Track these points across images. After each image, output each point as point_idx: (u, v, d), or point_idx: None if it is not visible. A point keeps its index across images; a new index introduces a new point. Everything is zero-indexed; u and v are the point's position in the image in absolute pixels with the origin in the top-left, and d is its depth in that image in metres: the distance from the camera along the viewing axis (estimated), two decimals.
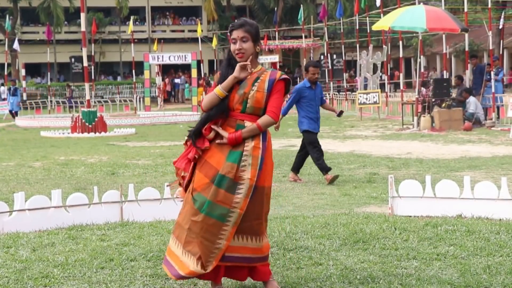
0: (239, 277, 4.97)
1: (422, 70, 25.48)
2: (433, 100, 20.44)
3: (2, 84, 42.70)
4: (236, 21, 4.98)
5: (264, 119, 4.82)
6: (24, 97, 42.01)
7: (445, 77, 23.95)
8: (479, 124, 20.01)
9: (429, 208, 7.52)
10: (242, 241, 4.79)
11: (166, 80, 49.31)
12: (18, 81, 47.50)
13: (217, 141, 4.79)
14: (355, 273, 5.31)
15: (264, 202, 4.87)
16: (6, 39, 41.09)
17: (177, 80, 50.94)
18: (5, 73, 43.14)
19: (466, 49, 23.20)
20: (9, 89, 34.79)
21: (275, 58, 44.57)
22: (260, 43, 4.97)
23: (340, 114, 12.21)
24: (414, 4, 24.36)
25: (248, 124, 4.83)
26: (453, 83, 22.60)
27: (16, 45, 43.94)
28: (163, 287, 5.12)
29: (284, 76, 4.90)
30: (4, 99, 38.04)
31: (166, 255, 5.01)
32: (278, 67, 47.32)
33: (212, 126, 4.78)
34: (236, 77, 4.81)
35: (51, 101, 39.78)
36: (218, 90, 4.84)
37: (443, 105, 20.15)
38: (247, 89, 4.83)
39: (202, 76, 45.58)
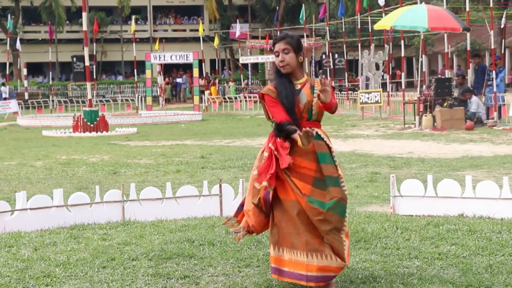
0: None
1: (441, 68, 25.34)
2: (435, 99, 20.43)
3: (3, 84, 42.71)
4: (278, 35, 5.24)
5: (335, 104, 5.12)
6: (26, 97, 42.05)
7: (447, 76, 23.93)
8: (480, 124, 20.00)
9: (430, 207, 7.52)
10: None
11: (167, 80, 49.30)
12: (19, 80, 47.62)
13: (306, 142, 4.80)
14: (356, 272, 5.31)
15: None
16: (8, 39, 41.10)
17: (178, 80, 50.94)
18: (7, 72, 43.17)
19: (468, 48, 23.19)
20: None
21: None
22: (302, 53, 5.17)
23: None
24: (416, 3, 24.34)
25: (319, 131, 5.06)
26: (454, 82, 22.57)
27: (18, 45, 43.98)
28: (164, 287, 5.12)
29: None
30: (5, 99, 38.08)
31: (273, 265, 4.99)
32: None
33: (307, 129, 4.80)
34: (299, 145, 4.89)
35: (52, 101, 39.80)
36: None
37: (445, 104, 20.14)
38: (309, 97, 5.05)
39: (204, 75, 45.60)
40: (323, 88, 4.91)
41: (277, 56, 5.11)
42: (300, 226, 4.88)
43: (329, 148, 5.06)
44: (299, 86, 5.10)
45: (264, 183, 4.94)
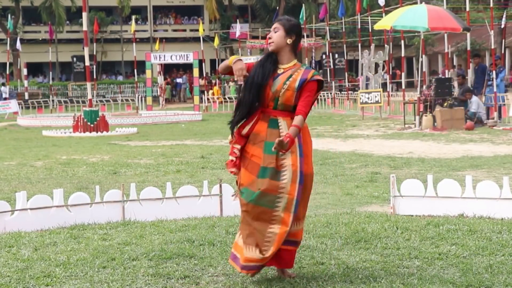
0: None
1: (442, 68, 25.28)
2: (435, 99, 20.43)
3: (4, 84, 42.69)
4: None
5: (299, 120, 4.95)
6: (26, 97, 42.04)
7: (447, 76, 23.93)
8: (481, 124, 20.00)
9: (431, 207, 7.52)
10: (295, 227, 5.05)
11: (167, 80, 49.29)
12: (20, 80, 47.62)
13: (273, 148, 4.86)
14: (357, 272, 5.31)
15: (309, 189, 5.12)
16: (8, 39, 41.09)
17: (178, 80, 50.94)
18: (7, 72, 43.17)
19: (468, 48, 23.18)
20: None
21: None
22: (295, 38, 5.13)
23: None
24: (416, 3, 24.34)
25: (280, 120, 5.03)
26: (455, 81, 22.57)
27: (18, 45, 43.97)
28: (164, 287, 5.12)
29: (317, 77, 5.08)
30: (5, 99, 38.07)
31: (232, 250, 5.16)
32: None
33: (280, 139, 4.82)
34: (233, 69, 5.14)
35: (53, 101, 39.80)
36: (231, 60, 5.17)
37: (445, 104, 20.13)
38: (279, 87, 5.03)
39: (204, 75, 45.59)
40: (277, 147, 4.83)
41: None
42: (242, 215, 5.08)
43: (279, 137, 4.93)
44: (281, 71, 5.10)
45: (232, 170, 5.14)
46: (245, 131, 5.07)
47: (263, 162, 4.96)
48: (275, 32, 5.10)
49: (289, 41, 5.10)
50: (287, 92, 5.00)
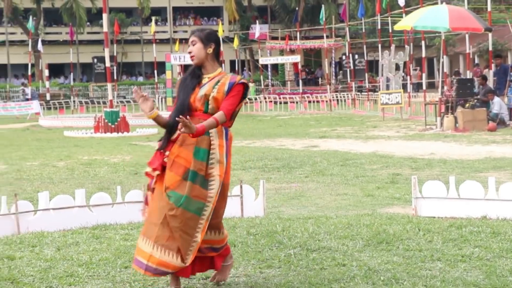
0: (203, 268, 5.21)
1: (475, 68, 25.07)
2: (457, 100, 20.30)
3: (26, 85, 43.00)
4: None
5: (219, 114, 4.99)
6: (48, 97, 42.31)
7: (469, 77, 23.78)
8: (503, 125, 19.84)
9: (453, 209, 7.48)
10: (211, 235, 5.07)
11: None
12: (41, 81, 47.91)
13: (182, 130, 4.85)
14: (378, 274, 5.29)
15: (225, 199, 5.17)
16: (30, 40, 41.37)
17: None
18: (29, 73, 43.47)
19: (490, 48, 23.04)
20: None
21: (297, 58, 44.47)
22: (214, 46, 5.21)
23: None
24: (437, 3, 24.22)
25: None
26: (476, 83, 22.43)
27: (39, 46, 44.29)
28: (186, 287, 5.13)
29: (243, 80, 5.17)
30: (28, 99, 38.33)
31: (135, 256, 5.05)
32: (299, 67, 47.26)
33: (181, 117, 4.83)
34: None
35: (74, 101, 40.02)
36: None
37: (467, 105, 20.00)
38: (208, 91, 5.09)
39: None
40: (182, 126, 4.83)
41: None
42: (159, 218, 4.94)
43: (210, 145, 5.00)
44: (206, 80, 5.16)
45: (148, 169, 5.12)
46: (174, 136, 5.08)
47: (193, 166, 4.95)
48: (193, 45, 5.21)
49: (209, 50, 5.19)
50: (217, 95, 5.05)
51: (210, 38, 5.21)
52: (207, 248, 5.06)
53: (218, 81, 5.11)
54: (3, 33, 58.07)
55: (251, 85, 47.91)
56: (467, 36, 24.60)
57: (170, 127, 5.10)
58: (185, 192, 4.91)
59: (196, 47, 5.20)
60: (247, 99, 40.32)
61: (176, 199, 4.91)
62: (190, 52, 5.22)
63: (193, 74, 5.21)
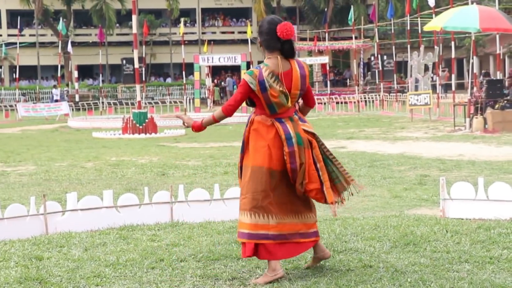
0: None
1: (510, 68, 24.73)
2: (486, 101, 20.11)
3: (55, 86, 43.39)
4: None
5: (217, 111, 5.41)
6: (77, 99, 42.67)
7: (498, 77, 23.55)
8: None
9: (481, 210, 7.40)
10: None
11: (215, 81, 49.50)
12: (71, 82, 48.30)
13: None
14: (406, 275, 5.25)
15: (245, 177, 5.31)
16: (60, 41, 41.71)
17: (228, 79, 51.08)
18: (59, 75, 43.86)
19: None
20: None
21: (325, 59, 44.39)
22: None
23: None
24: (467, 4, 24.01)
25: None
26: (506, 83, 22.20)
27: (69, 47, 44.65)
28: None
29: (243, 75, 5.41)
30: (56, 101, 38.68)
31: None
32: (327, 68, 47.14)
33: (176, 114, 5.51)
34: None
35: (102, 103, 40.32)
36: None
37: (496, 106, 19.81)
38: None
39: None
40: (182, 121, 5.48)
41: None
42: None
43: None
44: None
45: None
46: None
47: None
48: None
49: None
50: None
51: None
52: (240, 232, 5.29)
53: None
54: (33, 35, 58.67)
55: None
56: (497, 36, 24.38)
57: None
58: None
59: None
60: None
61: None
62: None
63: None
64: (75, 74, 45.69)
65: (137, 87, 24.08)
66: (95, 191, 9.84)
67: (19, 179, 11.96)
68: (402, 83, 43.12)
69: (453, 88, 29.29)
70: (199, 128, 5.39)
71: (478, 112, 20.14)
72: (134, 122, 22.57)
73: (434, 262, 5.60)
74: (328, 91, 41.87)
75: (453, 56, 28.23)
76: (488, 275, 5.22)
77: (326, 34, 48.26)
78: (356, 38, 44.94)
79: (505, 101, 19.97)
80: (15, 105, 36.78)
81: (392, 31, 42.72)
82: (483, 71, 26.59)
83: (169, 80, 59.98)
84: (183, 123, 5.48)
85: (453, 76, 29.70)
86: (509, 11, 37.99)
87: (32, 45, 57.50)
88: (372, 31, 47.82)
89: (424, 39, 39.28)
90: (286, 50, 5.26)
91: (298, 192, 5.30)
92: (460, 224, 6.97)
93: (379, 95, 36.44)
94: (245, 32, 45.59)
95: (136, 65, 23.66)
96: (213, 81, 46.81)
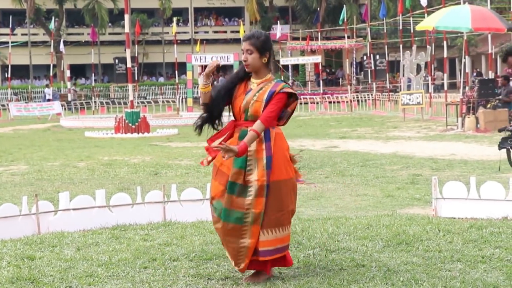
0: (282, 264, 5.33)
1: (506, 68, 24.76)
2: (478, 100, 20.16)
3: (47, 86, 43.31)
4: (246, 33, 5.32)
5: (257, 124, 5.02)
6: (69, 98, 42.59)
7: (490, 77, 23.60)
8: None
9: (473, 210, 7.43)
10: (273, 234, 5.07)
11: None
12: (63, 82, 48.21)
13: (226, 157, 4.94)
14: (398, 275, 5.27)
15: (284, 194, 5.08)
16: (52, 41, 41.62)
17: (220, 80, 51.15)
18: (51, 74, 43.74)
19: None
20: None
21: (318, 58, 44.43)
22: (268, 54, 5.16)
23: None
24: (459, 3, 24.06)
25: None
26: (499, 83, 22.26)
27: (61, 47, 44.58)
28: (205, 287, 5.14)
29: (287, 89, 5.13)
30: (49, 100, 38.59)
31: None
32: (320, 67, 47.20)
33: (221, 146, 4.94)
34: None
35: (95, 102, 40.24)
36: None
37: (488, 105, 19.86)
38: (250, 99, 5.13)
39: None
40: (225, 154, 4.93)
41: (243, 53, 5.14)
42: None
43: (247, 152, 5.02)
44: (254, 85, 5.18)
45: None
46: (216, 143, 5.12)
47: (231, 176, 5.04)
48: (249, 54, 5.10)
49: (264, 60, 5.16)
50: (256, 104, 5.09)
51: (266, 47, 5.14)
52: (274, 250, 5.07)
53: (261, 88, 5.14)
54: (25, 34, 58.52)
55: None
56: (489, 36, 24.43)
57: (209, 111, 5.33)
58: (224, 204, 5.04)
59: (252, 57, 5.12)
60: None
61: (219, 212, 5.08)
62: (245, 61, 5.12)
63: (240, 77, 5.26)
64: (68, 73, 45.58)
65: (130, 86, 24.05)
66: (88, 190, 9.82)
67: (11, 179, 11.94)
68: (394, 83, 43.20)
69: (445, 88, 29.36)
70: (246, 149, 4.98)
71: (470, 112, 20.18)
72: (126, 121, 22.54)
73: (427, 261, 5.62)
74: (320, 90, 41.92)
75: (445, 55, 28.29)
76: (480, 274, 5.24)
77: (319, 33, 48.28)
78: (348, 37, 44.99)
79: (497, 101, 20.02)
80: (7, 104, 36.71)
81: (385, 31, 42.78)
82: (477, 70, 26.65)
83: (161, 79, 59.93)
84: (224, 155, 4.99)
85: (445, 75, 29.78)
86: (501, 10, 38.07)
87: (24, 44, 57.34)
88: (364, 30, 47.89)
89: (416, 38, 39.37)
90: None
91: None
92: (452, 223, 6.99)
93: (371, 95, 36.47)
94: (238, 32, 45.62)
95: (129, 64, 23.63)
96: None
